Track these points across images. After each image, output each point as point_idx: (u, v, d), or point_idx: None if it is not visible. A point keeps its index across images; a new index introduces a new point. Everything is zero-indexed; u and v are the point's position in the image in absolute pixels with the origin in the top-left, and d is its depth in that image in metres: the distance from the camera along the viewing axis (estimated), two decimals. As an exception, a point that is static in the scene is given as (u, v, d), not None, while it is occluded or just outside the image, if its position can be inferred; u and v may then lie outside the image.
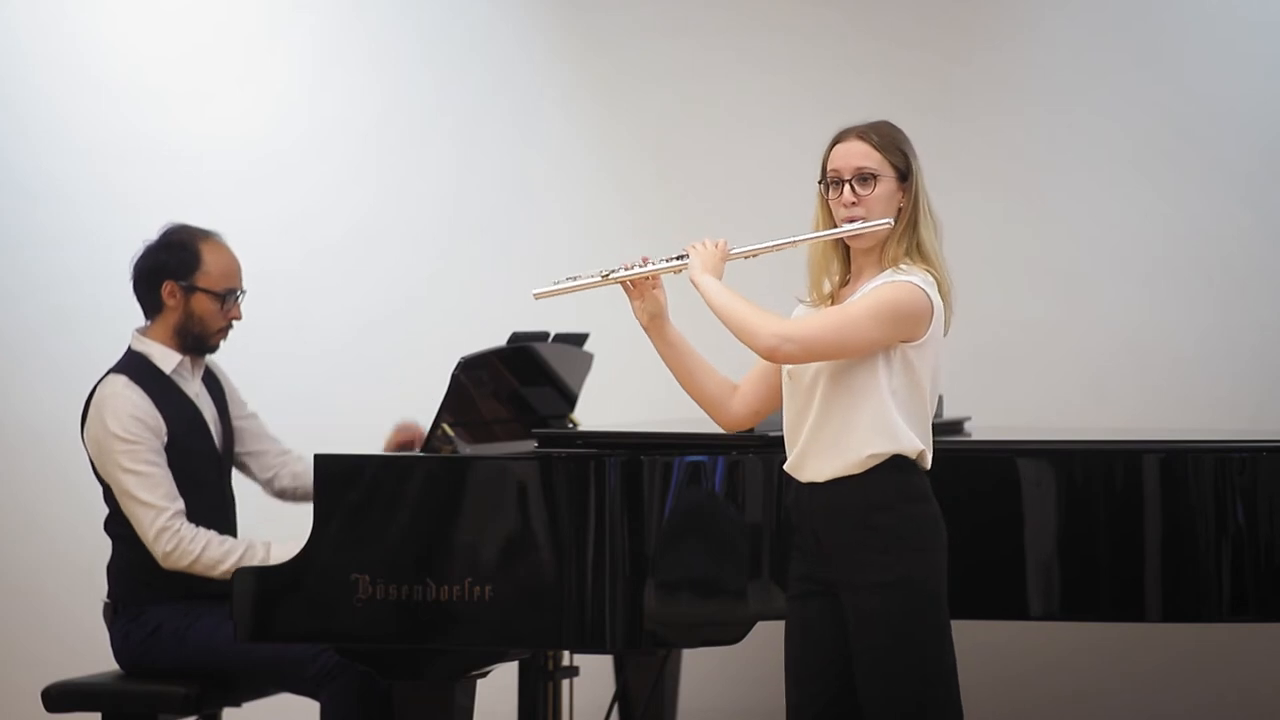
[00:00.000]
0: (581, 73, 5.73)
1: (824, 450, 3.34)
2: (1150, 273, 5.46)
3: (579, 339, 4.71)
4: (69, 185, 5.68)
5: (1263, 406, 5.34)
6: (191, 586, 4.23)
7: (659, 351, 3.53)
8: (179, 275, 4.33)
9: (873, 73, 5.59)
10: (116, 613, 4.29)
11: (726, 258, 3.44)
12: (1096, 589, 3.76)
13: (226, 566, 4.16)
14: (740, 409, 3.52)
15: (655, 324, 3.51)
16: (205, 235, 4.38)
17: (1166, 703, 5.34)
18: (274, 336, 5.39)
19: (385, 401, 5.44)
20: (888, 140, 3.40)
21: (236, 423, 4.51)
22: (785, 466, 3.43)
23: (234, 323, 4.39)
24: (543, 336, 4.52)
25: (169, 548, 4.17)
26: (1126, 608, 3.78)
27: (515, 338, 4.40)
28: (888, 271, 3.37)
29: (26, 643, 5.59)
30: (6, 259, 5.68)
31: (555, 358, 4.58)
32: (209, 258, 4.35)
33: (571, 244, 5.70)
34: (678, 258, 3.46)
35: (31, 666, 4.94)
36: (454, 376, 4.03)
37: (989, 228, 5.47)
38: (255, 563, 4.16)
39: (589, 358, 4.75)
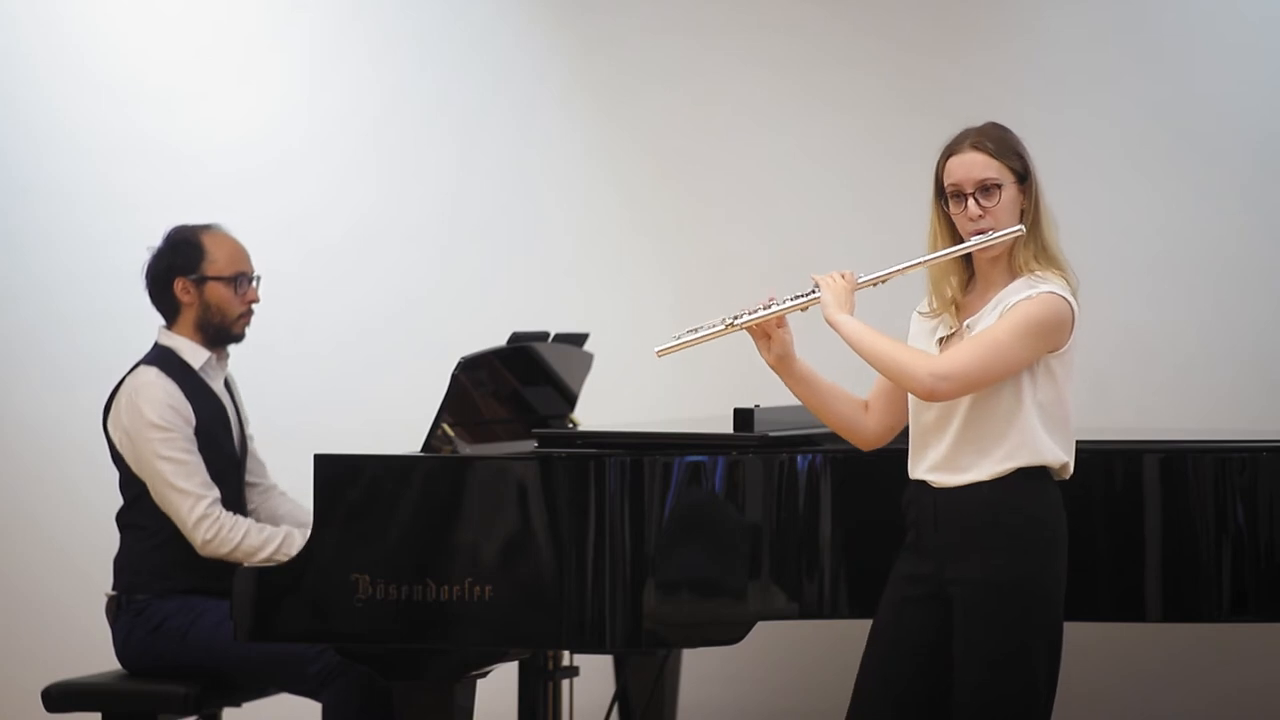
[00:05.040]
0: (581, 73, 5.73)
1: (963, 464, 3.29)
2: (1150, 273, 5.45)
3: (579, 339, 4.71)
4: (69, 185, 5.68)
5: (1263, 406, 5.34)
6: (197, 581, 4.25)
7: (790, 389, 3.41)
8: (187, 270, 4.37)
9: (873, 73, 5.58)
10: (120, 609, 4.29)
11: (855, 288, 3.31)
12: (1096, 589, 3.76)
13: (267, 553, 4.20)
14: (875, 427, 3.44)
15: (784, 364, 3.38)
16: (205, 228, 4.44)
17: (1166, 703, 5.33)
18: (274, 336, 5.36)
19: (385, 401, 5.48)
20: (1003, 145, 3.32)
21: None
22: (914, 474, 3.37)
23: (254, 307, 4.43)
24: (543, 336, 4.52)
25: (209, 535, 4.19)
26: (1126, 608, 3.77)
27: (515, 338, 4.41)
28: (1021, 281, 3.30)
29: (26, 643, 5.58)
30: (6, 259, 5.68)
31: (555, 358, 4.58)
32: (212, 247, 4.40)
33: (571, 244, 5.70)
34: (806, 294, 3.33)
35: (31, 666, 4.94)
36: (454, 376, 4.03)
37: (989, 228, 5.45)
38: (294, 550, 4.16)
39: (589, 358, 4.75)
